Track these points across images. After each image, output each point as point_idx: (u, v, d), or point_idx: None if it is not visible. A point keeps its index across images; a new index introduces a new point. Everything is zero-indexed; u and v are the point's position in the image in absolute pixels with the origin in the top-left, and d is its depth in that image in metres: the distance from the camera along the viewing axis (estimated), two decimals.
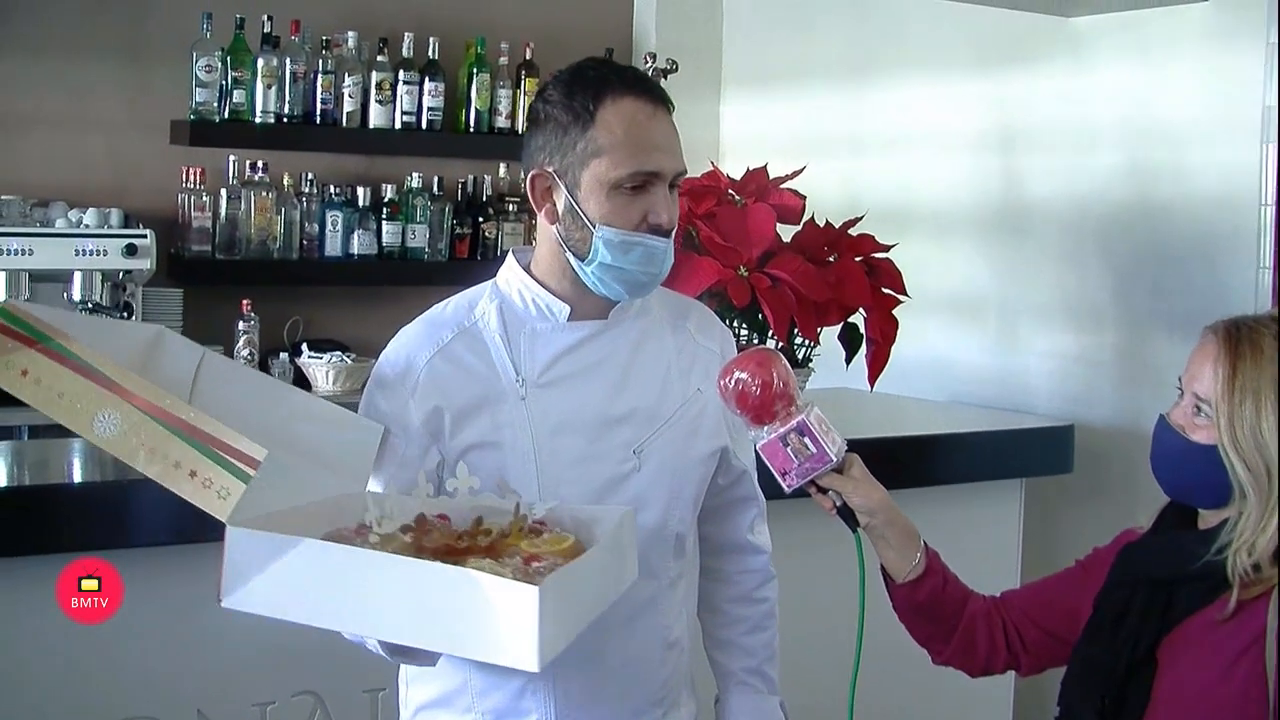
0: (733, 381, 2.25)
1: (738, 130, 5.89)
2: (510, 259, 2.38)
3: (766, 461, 2.26)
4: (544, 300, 2.31)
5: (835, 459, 2.26)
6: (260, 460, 1.90)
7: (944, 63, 4.92)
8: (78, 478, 3.20)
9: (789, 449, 2.24)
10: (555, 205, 2.26)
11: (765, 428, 2.24)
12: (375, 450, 2.24)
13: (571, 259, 2.27)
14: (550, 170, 2.25)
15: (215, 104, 5.15)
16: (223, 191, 5.20)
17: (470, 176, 5.72)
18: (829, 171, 4.88)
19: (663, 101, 2.27)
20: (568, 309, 2.31)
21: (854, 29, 5.30)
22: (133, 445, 1.92)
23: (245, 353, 5.10)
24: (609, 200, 2.22)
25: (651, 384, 2.36)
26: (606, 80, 2.24)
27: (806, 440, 2.23)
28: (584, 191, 2.22)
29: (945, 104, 4.90)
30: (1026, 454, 4.22)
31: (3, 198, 4.85)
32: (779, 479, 2.26)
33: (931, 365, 4.79)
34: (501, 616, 1.78)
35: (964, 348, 4.81)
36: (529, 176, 2.28)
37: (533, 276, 2.33)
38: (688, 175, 2.36)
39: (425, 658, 2.16)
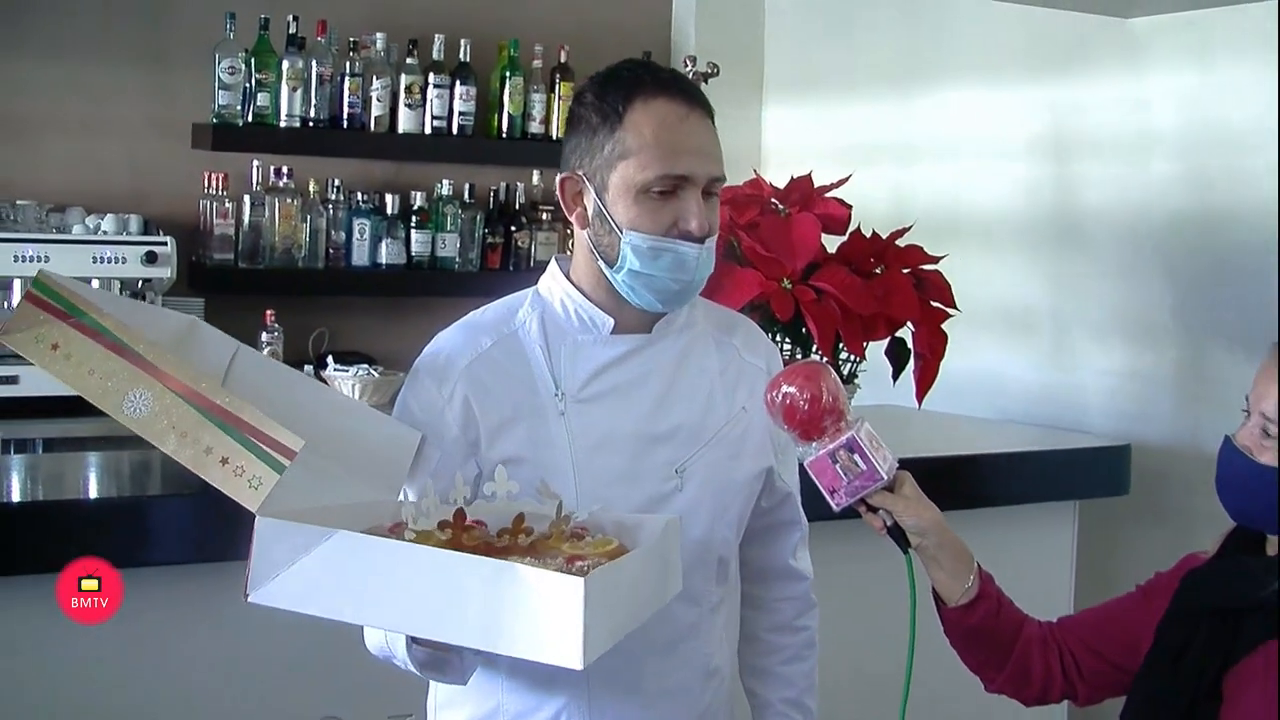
0: (780, 395, 2.24)
1: (781, 137, 5.90)
2: (553, 266, 2.38)
3: (814, 479, 2.25)
4: (587, 311, 2.31)
5: (886, 476, 2.24)
6: (297, 451, 1.89)
7: (996, 67, 4.91)
8: (94, 493, 3.21)
9: (838, 466, 2.23)
10: (585, 209, 2.27)
11: (813, 444, 2.24)
12: (412, 455, 2.23)
13: (602, 265, 2.27)
14: (580, 173, 2.26)
15: (238, 107, 5.16)
16: (246, 198, 5.21)
17: (502, 183, 5.72)
18: (876, 180, 4.91)
19: (699, 103, 2.25)
20: (612, 321, 2.30)
21: (902, 32, 5.30)
22: (163, 427, 1.91)
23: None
24: (636, 204, 2.21)
25: (695, 401, 2.35)
26: (640, 80, 2.24)
27: (856, 457, 2.22)
28: (612, 195, 2.23)
29: (997, 109, 4.90)
30: (1080, 475, 4.20)
31: (19, 203, 4.88)
32: (827, 497, 2.25)
33: (982, 382, 4.78)
34: (545, 610, 1.76)
35: (1016, 364, 4.80)
36: (559, 179, 2.29)
37: (574, 285, 2.33)
38: (728, 184, 2.35)
39: (456, 672, 2.16)
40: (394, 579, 1.84)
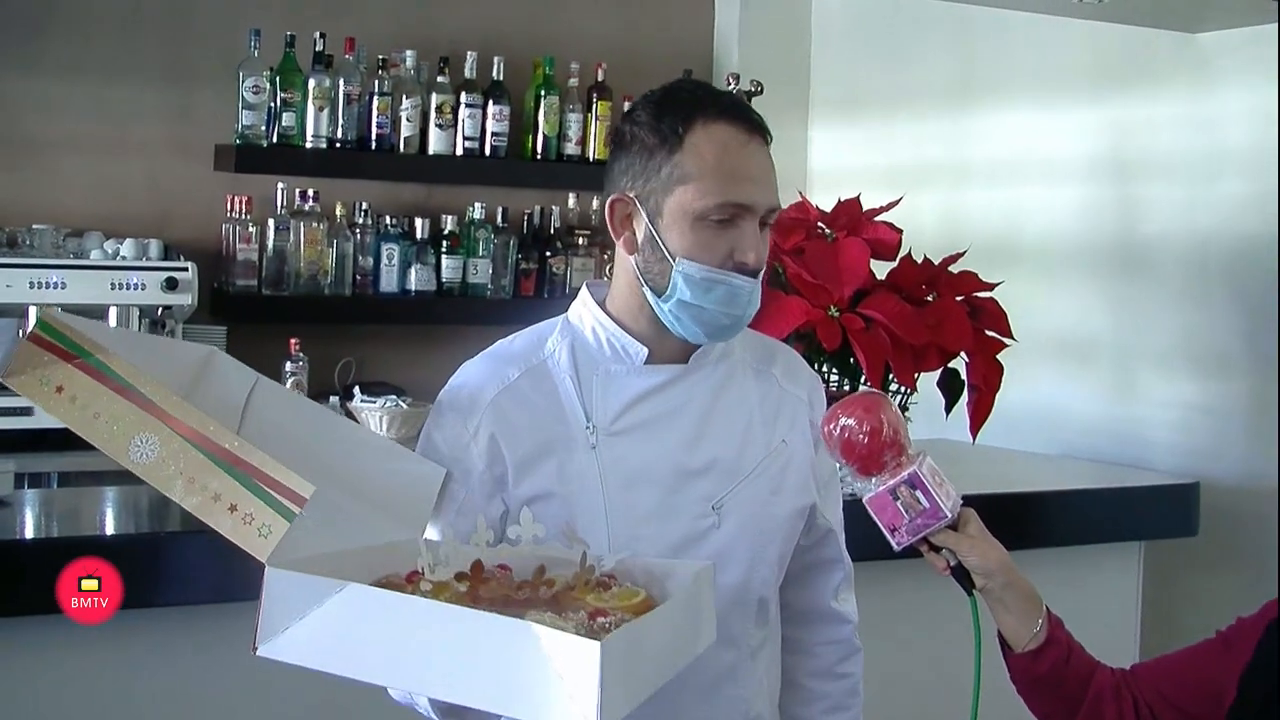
0: (838, 428, 2.24)
1: (827, 158, 5.90)
2: (584, 293, 2.37)
3: (874, 516, 2.24)
4: (620, 340, 2.31)
5: (950, 514, 2.23)
6: (307, 497, 1.88)
7: (1054, 85, 4.91)
8: (110, 529, 3.21)
9: (899, 503, 2.22)
10: (634, 234, 2.26)
11: (873, 479, 2.23)
12: (436, 493, 2.23)
13: (648, 294, 2.26)
14: (631, 196, 2.25)
15: (263, 128, 5.17)
16: (270, 222, 5.22)
17: (537, 207, 5.72)
18: (928, 203, 4.93)
19: (760, 130, 2.26)
20: (645, 351, 2.30)
21: (954, 49, 5.30)
22: (170, 473, 1.91)
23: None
24: (693, 232, 2.21)
25: (733, 434, 2.34)
26: (700, 102, 2.24)
27: (918, 493, 2.21)
28: (666, 220, 2.22)
29: (1055, 129, 4.89)
30: (1145, 514, 4.18)
31: (35, 227, 4.89)
32: (888, 536, 2.24)
33: (1040, 415, 4.76)
34: (560, 674, 1.74)
35: (1076, 396, 4.78)
36: (608, 201, 2.28)
37: (608, 313, 2.33)
38: None
39: None
40: (406, 635, 1.83)
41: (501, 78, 5.56)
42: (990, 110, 5.15)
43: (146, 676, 2.85)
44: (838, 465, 2.33)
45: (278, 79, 5.17)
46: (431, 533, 2.21)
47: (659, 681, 1.93)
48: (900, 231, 3.74)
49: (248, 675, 2.86)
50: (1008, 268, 4.03)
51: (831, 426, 2.24)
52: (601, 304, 2.34)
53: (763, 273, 2.26)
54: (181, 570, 2.90)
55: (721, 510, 2.30)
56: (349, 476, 2.10)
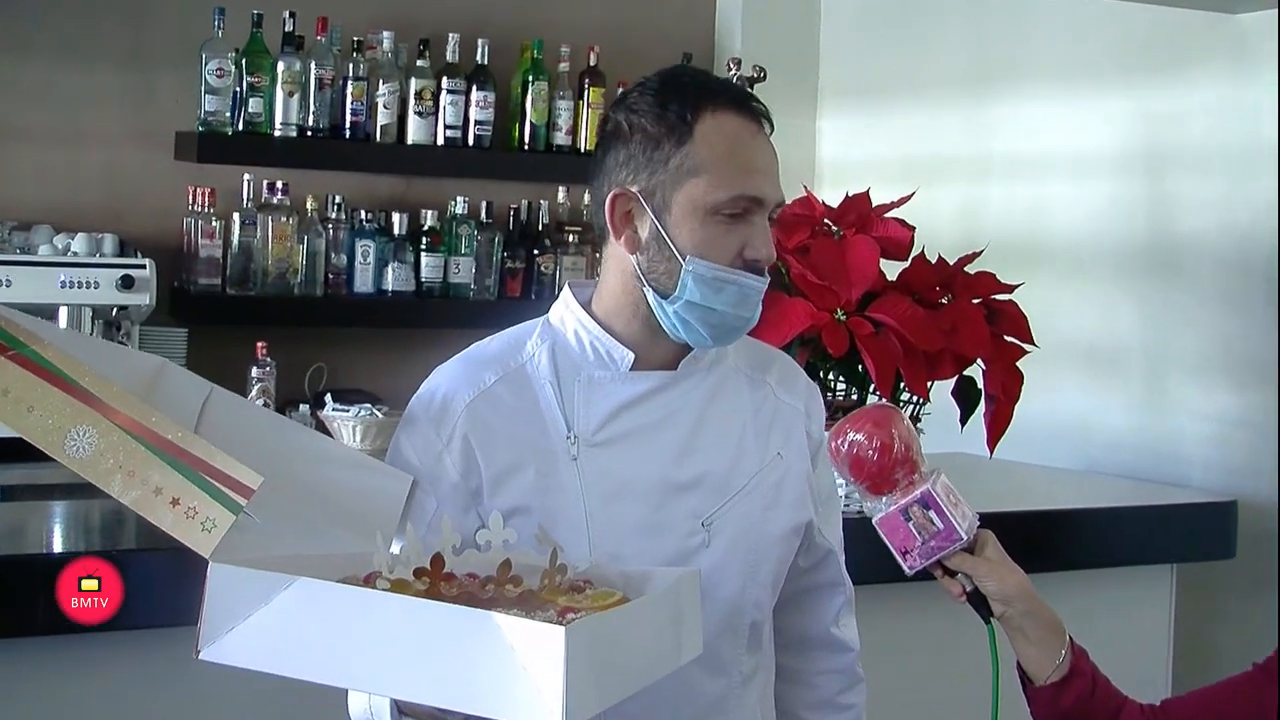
0: (846, 443, 2.25)
1: (836, 150, 5.91)
2: (566, 293, 2.38)
3: (884, 538, 2.24)
4: (604, 344, 2.31)
5: (966, 536, 2.24)
6: (254, 488, 1.88)
7: (1081, 71, 4.91)
8: (58, 547, 3.20)
9: (911, 524, 2.22)
10: (638, 231, 2.27)
11: (883, 498, 2.24)
12: (402, 504, 2.23)
13: (650, 295, 2.27)
14: (635, 190, 2.25)
15: (228, 114, 5.16)
16: (235, 216, 5.21)
17: (524, 201, 5.72)
18: (943, 198, 4.95)
19: (766, 120, 2.29)
20: (631, 356, 2.31)
21: (973, 33, 5.30)
22: (108, 467, 1.90)
23: (259, 402, 5.04)
24: (704, 228, 2.22)
25: (725, 446, 2.35)
26: (709, 90, 2.26)
27: (932, 514, 2.22)
28: (674, 216, 2.23)
29: (1082, 119, 4.89)
30: (1179, 535, 4.17)
31: None
32: (899, 559, 2.25)
33: (1064, 427, 4.78)
34: (522, 664, 1.74)
35: (1103, 407, 4.77)
36: (608, 196, 2.28)
37: (593, 315, 2.34)
38: None
39: None
40: (360, 631, 1.82)
41: (486, 61, 5.54)
42: (1011, 98, 5.15)
43: (101, 706, 2.86)
44: (845, 483, 2.34)
45: (244, 62, 5.15)
46: (398, 549, 2.17)
47: (635, 684, 1.91)
48: (912, 229, 3.74)
49: (201, 697, 2.89)
50: (1029, 268, 4.05)
51: (839, 442, 2.25)
52: (586, 305, 2.35)
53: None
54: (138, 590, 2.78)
55: (711, 527, 2.30)
56: (309, 488, 2.11)
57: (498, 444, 2.26)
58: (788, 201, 3.56)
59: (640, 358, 2.31)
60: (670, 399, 2.32)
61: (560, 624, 1.74)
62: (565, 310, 2.35)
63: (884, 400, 3.50)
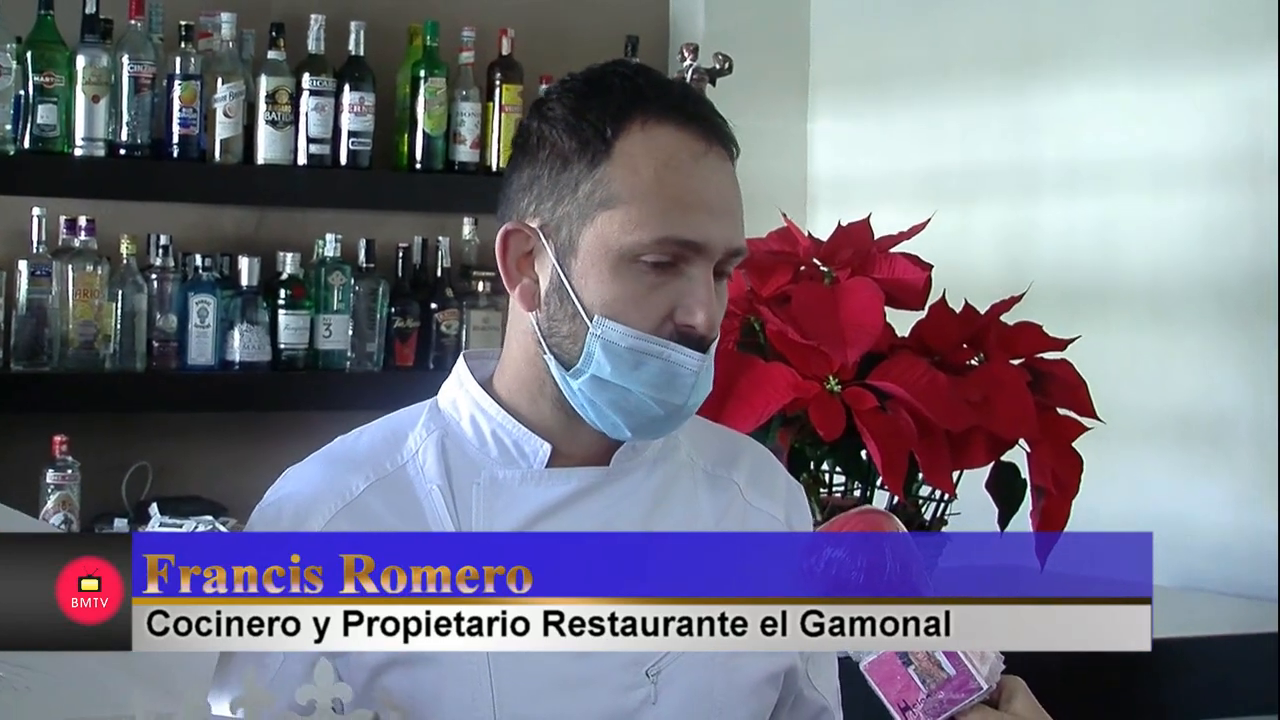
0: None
1: (834, 162, 5.95)
2: (460, 368, 2.42)
3: (877, 690, 2.21)
4: (510, 433, 2.34)
5: (986, 685, 2.20)
6: None
7: (1158, 52, 4.93)
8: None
9: (912, 670, 2.19)
10: (536, 280, 2.30)
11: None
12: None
13: (552, 365, 2.29)
14: (534, 225, 2.28)
15: (9, 127, 5.08)
16: (21, 266, 5.12)
17: (417, 239, 5.68)
18: (975, 224, 5.03)
19: (719, 137, 2.29)
20: (547, 448, 2.33)
21: (1009, 9, 5.36)
22: None
23: (59, 518, 5.00)
24: (617, 279, 2.23)
25: None
26: (639, 94, 2.27)
27: (940, 656, 2.15)
28: (582, 261, 2.25)
29: (1161, 116, 4.91)
30: None
31: None
32: (897, 717, 2.22)
33: (1145, 529, 4.48)
34: None
35: (1198, 500, 4.76)
36: (500, 233, 2.31)
37: (494, 396, 2.36)
38: (748, 234, 2.36)
39: None
40: None
41: (362, 52, 5.51)
42: (1062, 92, 5.18)
43: None
44: None
45: (30, 55, 5.08)
46: (220, 708, 2.14)
47: None
48: (929, 267, 3.78)
49: None
50: (1092, 315, 4.17)
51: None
52: (486, 383, 2.38)
53: (715, 343, 2.28)
54: None
55: (659, 678, 2.32)
56: None
57: None
58: (761, 234, 3.71)
59: (559, 450, 2.33)
60: (601, 505, 2.34)
61: None
62: (458, 390, 2.38)
63: (873, 501, 3.55)
